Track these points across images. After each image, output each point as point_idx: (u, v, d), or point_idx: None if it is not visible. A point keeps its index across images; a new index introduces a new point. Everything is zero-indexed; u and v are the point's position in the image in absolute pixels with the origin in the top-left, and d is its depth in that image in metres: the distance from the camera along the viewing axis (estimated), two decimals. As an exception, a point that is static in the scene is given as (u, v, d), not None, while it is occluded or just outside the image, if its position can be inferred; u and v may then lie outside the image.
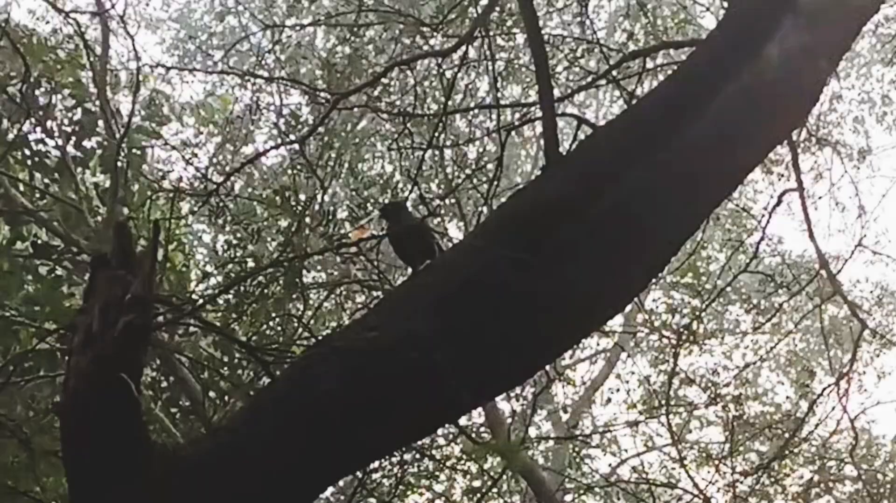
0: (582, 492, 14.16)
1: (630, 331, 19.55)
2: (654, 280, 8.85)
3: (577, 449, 15.70)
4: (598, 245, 4.31)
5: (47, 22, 16.21)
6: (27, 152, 11.76)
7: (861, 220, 12.06)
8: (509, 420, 12.96)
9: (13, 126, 11.52)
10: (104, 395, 3.84)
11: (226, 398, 10.71)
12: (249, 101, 13.87)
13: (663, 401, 13.38)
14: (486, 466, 12.43)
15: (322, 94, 12.57)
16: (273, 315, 10.40)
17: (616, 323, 19.10)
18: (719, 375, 16.62)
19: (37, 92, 11.74)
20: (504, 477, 11.94)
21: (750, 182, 15.96)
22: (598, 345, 22.06)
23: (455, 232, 13.49)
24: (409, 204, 7.26)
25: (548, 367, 8.23)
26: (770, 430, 14.97)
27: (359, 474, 8.45)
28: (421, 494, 13.18)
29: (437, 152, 12.59)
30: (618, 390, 20.49)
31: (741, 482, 12.96)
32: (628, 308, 17.88)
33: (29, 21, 16.85)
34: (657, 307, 19.39)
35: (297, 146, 11.32)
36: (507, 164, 19.64)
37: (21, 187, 11.64)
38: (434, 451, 12.91)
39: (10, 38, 10.39)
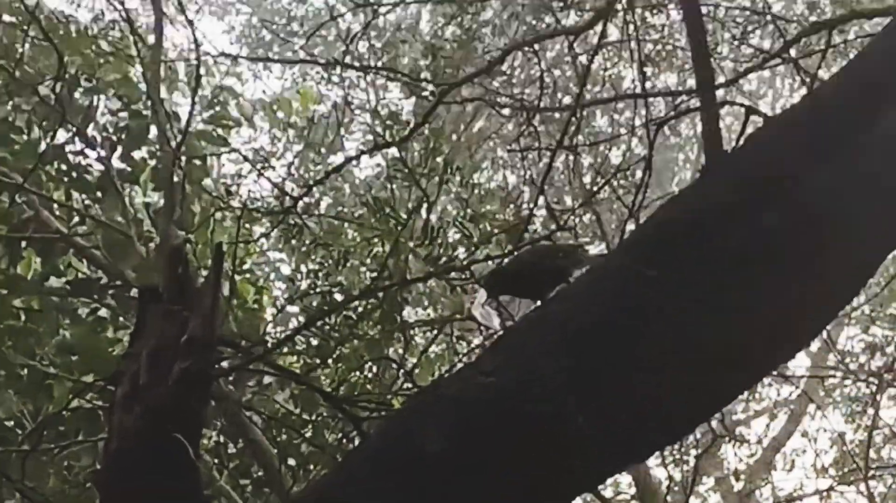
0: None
1: (819, 376, 19.32)
2: (845, 310, 8.73)
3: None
4: (772, 267, 4.23)
5: (89, 9, 16.50)
6: (63, 166, 11.87)
7: None
8: (664, 488, 12.90)
9: (46, 135, 11.62)
10: (154, 460, 3.85)
11: (308, 465, 10.76)
12: (337, 99, 13.97)
13: (861, 464, 13.26)
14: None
15: (427, 87, 12.62)
16: (366, 360, 10.42)
17: (800, 365, 18.94)
18: (932, 429, 16.43)
19: (75, 93, 11.86)
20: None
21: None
22: (778, 394, 21.94)
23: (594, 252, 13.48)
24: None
25: (714, 423, 8.15)
26: None
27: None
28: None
29: (569, 155, 12.56)
30: (804, 451, 20.38)
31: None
32: (815, 346, 17.71)
33: (66, 6, 17.13)
34: (853, 346, 19.18)
35: (395, 151, 11.38)
36: (659, 168, 19.57)
37: (56, 209, 11.77)
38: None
39: (42, 28, 10.45)
